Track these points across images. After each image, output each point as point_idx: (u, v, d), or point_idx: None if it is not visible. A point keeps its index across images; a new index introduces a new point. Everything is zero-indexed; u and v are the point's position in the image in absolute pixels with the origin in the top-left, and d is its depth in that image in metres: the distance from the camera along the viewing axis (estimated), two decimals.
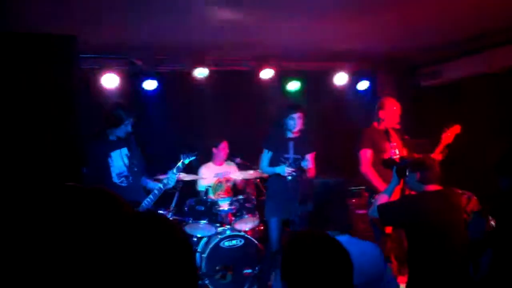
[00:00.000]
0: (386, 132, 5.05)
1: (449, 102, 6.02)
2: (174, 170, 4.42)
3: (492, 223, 3.18)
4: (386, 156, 4.92)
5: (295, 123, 4.93)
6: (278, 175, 4.96)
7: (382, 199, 3.61)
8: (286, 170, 4.87)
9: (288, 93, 6.67)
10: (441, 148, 4.79)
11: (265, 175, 5.35)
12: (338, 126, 6.87)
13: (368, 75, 6.82)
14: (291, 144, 4.99)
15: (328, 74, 6.61)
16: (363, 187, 5.53)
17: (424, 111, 6.40)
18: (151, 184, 4.49)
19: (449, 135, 4.83)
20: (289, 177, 4.87)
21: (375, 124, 5.08)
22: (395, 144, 5.05)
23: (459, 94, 5.93)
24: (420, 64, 6.52)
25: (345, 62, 6.53)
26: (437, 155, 4.70)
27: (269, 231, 5.15)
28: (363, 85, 6.72)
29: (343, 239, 2.04)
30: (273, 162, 5.04)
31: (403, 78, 6.85)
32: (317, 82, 6.69)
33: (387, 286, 2.43)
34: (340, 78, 6.57)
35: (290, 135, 5.02)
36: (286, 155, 5.01)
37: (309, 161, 4.99)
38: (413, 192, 3.66)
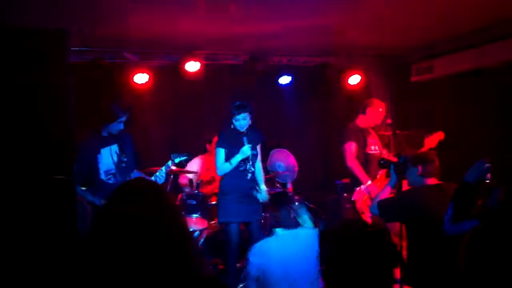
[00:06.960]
0: (366, 130, 5.29)
1: (440, 97, 6.05)
2: (163, 168, 4.39)
3: None
4: (367, 150, 5.16)
5: (241, 124, 4.58)
6: (237, 171, 4.62)
7: (382, 195, 3.63)
8: (246, 150, 4.52)
9: (280, 87, 6.67)
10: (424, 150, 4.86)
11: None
12: (329, 120, 6.90)
13: (359, 71, 6.81)
14: (244, 139, 4.60)
15: (319, 69, 6.60)
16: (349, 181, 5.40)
17: (415, 106, 6.45)
18: None
19: (432, 140, 4.97)
20: (249, 175, 4.63)
21: (357, 122, 5.32)
22: (373, 141, 5.28)
23: (450, 89, 5.96)
24: (411, 60, 6.55)
25: (336, 57, 6.53)
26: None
27: (229, 236, 4.58)
28: (354, 80, 6.73)
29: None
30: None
31: (394, 73, 6.88)
32: (308, 77, 6.69)
33: None
34: (332, 73, 6.56)
35: (242, 130, 4.63)
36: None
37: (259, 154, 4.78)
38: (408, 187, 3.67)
